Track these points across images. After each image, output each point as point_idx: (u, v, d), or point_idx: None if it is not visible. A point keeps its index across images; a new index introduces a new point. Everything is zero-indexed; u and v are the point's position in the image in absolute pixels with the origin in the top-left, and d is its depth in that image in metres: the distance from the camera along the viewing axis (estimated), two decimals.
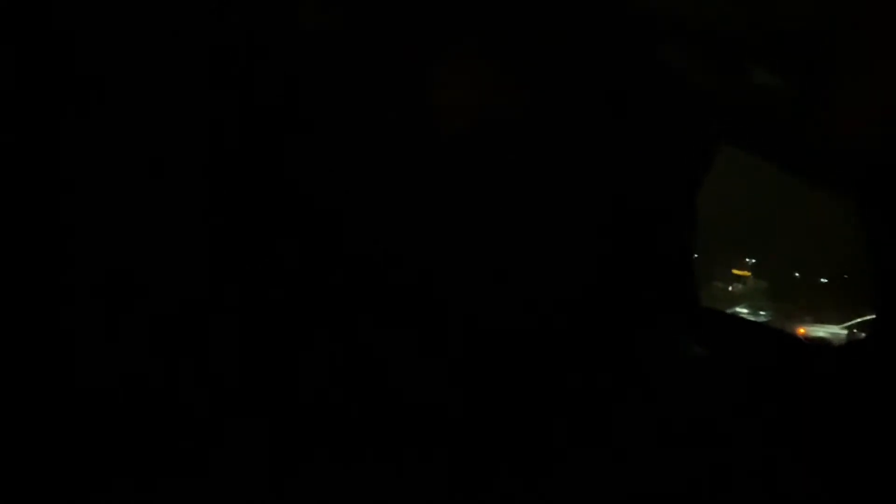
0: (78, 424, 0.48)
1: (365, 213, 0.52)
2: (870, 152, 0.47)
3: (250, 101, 0.54)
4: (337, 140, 0.53)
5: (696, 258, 0.64)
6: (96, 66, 0.52)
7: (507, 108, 0.50)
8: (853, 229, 0.54)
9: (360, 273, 0.53)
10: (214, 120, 0.52)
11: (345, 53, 0.51)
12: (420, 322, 0.53)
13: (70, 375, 0.50)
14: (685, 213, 0.60)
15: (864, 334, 0.62)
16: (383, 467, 0.50)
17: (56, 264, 0.50)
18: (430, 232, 0.51)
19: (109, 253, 0.51)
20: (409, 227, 0.51)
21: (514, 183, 0.52)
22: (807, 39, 0.48)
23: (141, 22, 0.51)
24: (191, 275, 0.52)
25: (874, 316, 0.55)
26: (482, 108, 0.51)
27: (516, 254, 0.52)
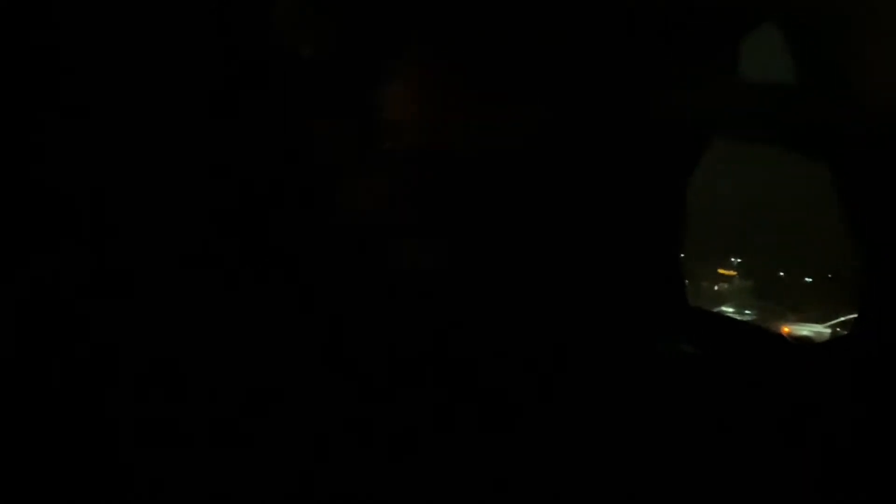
0: (82, 426, 0.48)
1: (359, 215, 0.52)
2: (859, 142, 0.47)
3: (241, 105, 0.54)
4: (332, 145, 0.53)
5: (681, 258, 0.64)
6: (92, 70, 0.52)
7: (499, 112, 0.50)
8: (838, 229, 0.54)
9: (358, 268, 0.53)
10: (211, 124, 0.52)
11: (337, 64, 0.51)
12: (417, 322, 0.53)
13: (71, 376, 0.49)
14: (672, 212, 0.60)
15: (846, 332, 0.63)
16: (387, 467, 0.50)
17: (55, 264, 0.50)
18: (424, 230, 0.52)
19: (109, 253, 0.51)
20: (405, 223, 0.51)
21: (507, 183, 0.52)
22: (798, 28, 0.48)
23: (139, 26, 0.51)
24: (192, 276, 0.52)
25: (856, 314, 0.56)
26: (472, 115, 0.51)
27: (507, 254, 0.52)
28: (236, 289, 0.51)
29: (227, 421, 0.48)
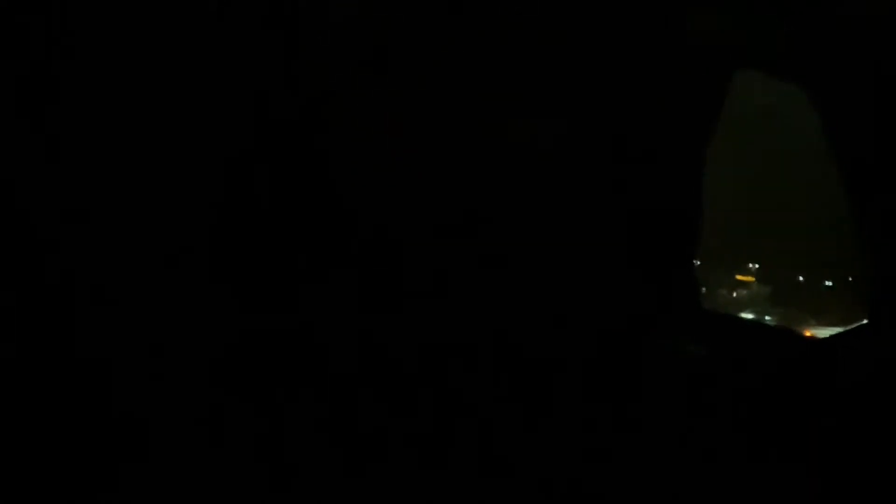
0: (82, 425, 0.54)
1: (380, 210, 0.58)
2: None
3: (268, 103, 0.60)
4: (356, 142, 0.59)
5: (698, 265, 0.71)
6: (107, 66, 0.57)
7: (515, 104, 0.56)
8: (854, 231, 0.60)
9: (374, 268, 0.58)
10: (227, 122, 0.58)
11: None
12: (425, 325, 0.59)
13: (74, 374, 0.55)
14: (689, 210, 0.66)
15: (859, 330, 0.69)
16: (398, 469, 0.56)
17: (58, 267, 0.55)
18: (433, 228, 0.58)
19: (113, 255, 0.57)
20: (415, 221, 0.58)
21: (520, 184, 0.58)
22: None
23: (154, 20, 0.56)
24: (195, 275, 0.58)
25: (871, 314, 0.62)
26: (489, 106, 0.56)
27: (523, 257, 0.58)
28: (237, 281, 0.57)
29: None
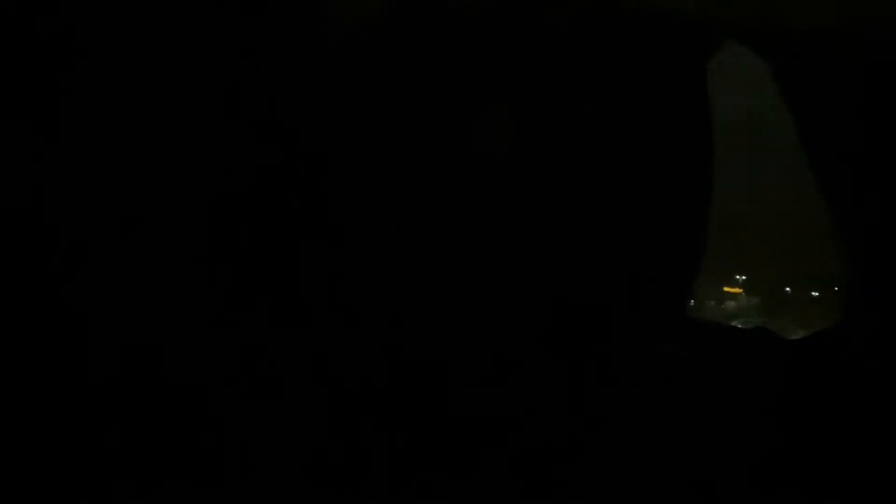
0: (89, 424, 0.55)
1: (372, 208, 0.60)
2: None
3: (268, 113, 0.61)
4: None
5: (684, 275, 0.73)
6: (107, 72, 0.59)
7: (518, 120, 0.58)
8: (838, 241, 0.63)
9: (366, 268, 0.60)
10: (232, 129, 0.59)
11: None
12: (420, 322, 0.61)
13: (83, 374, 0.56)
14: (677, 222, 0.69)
15: (831, 328, 0.71)
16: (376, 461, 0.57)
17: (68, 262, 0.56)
18: (429, 231, 0.59)
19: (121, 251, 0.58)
20: (410, 226, 0.59)
21: (521, 188, 0.60)
22: None
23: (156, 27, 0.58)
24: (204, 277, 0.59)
25: (851, 317, 0.65)
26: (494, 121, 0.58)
27: (520, 260, 0.60)
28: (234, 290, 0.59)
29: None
